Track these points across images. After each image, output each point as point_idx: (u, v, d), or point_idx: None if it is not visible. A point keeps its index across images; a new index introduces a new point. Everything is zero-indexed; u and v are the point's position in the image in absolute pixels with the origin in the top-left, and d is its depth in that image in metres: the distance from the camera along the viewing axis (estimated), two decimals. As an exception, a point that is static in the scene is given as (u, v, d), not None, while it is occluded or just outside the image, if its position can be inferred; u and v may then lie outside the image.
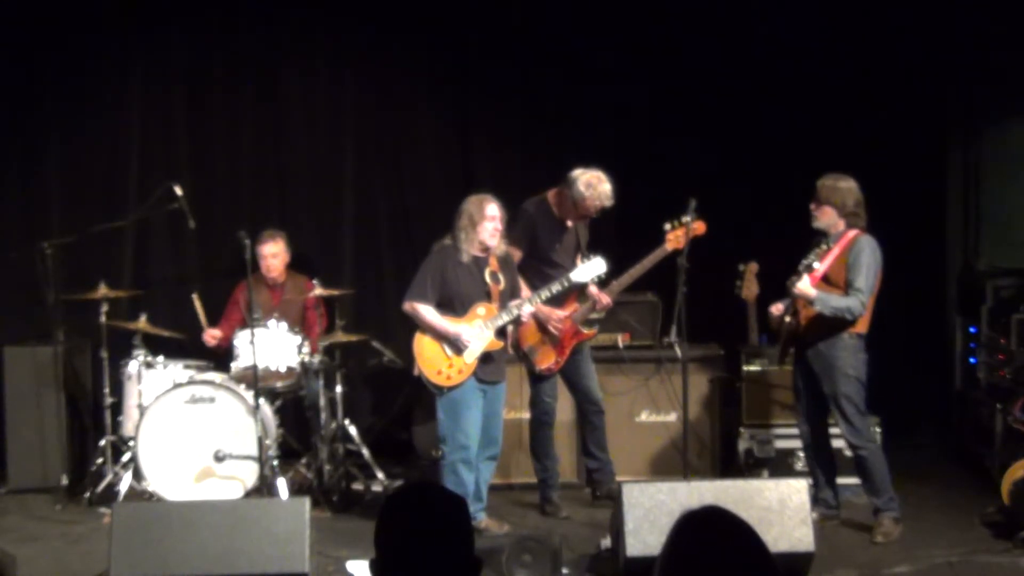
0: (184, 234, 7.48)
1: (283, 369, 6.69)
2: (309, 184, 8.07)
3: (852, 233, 5.86)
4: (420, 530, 2.39)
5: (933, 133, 8.18)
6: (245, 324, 6.75)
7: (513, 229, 6.34)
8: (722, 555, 2.17)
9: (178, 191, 6.98)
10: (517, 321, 6.08)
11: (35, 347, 7.21)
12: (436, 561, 2.38)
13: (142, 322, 6.85)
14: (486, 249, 6.03)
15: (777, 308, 6.04)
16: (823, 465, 6.15)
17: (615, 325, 7.07)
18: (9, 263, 7.48)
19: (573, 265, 6.28)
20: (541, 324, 6.38)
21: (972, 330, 7.45)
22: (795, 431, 6.53)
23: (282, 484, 6.44)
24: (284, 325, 6.74)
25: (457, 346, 5.96)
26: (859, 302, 5.76)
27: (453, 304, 6.00)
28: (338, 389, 6.94)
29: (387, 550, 2.41)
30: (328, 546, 5.66)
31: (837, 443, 6.31)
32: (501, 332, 6.07)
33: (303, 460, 6.97)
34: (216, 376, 6.66)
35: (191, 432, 6.46)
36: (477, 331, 5.96)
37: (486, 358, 6.00)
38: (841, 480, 6.28)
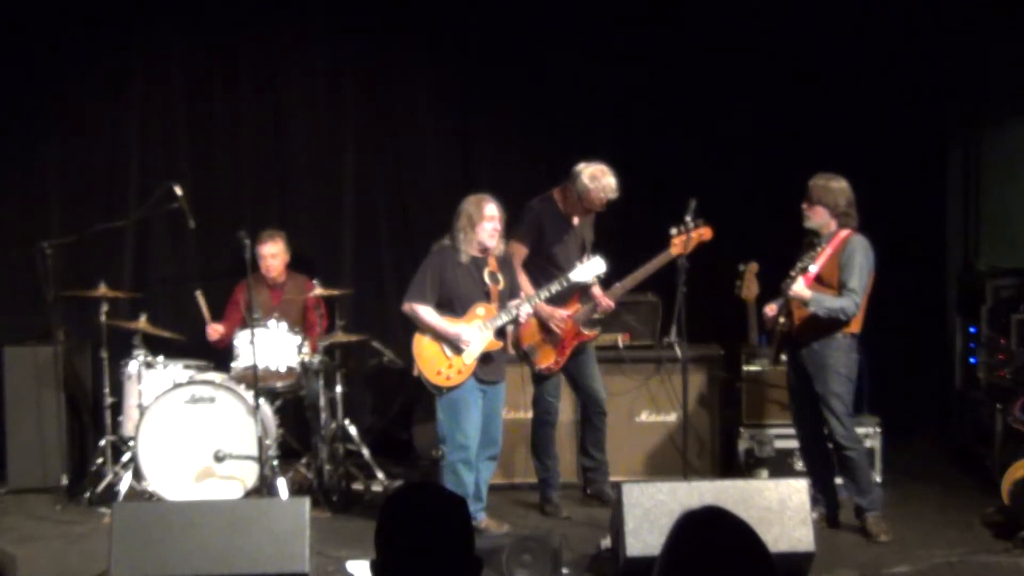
0: (184, 234, 7.48)
1: (283, 369, 6.69)
2: (309, 184, 8.07)
3: (844, 233, 5.87)
4: (420, 530, 2.39)
5: (933, 133, 8.19)
6: (245, 324, 6.75)
7: (519, 226, 6.36)
8: (722, 555, 2.17)
9: (178, 191, 6.98)
10: (516, 321, 6.09)
11: (35, 347, 7.20)
12: (436, 561, 2.38)
13: (142, 322, 6.85)
14: (485, 249, 6.03)
15: (771, 309, 6.04)
16: (820, 465, 6.14)
17: (615, 325, 7.07)
18: (9, 263, 7.49)
19: (578, 264, 6.28)
20: (543, 323, 6.38)
21: (972, 330, 7.45)
22: (794, 431, 6.53)
23: (282, 484, 6.44)
24: (284, 325, 6.74)
25: (456, 346, 5.96)
26: (853, 302, 5.77)
27: (452, 305, 6.00)
28: (338, 389, 6.94)
29: (387, 550, 2.41)
30: (328, 546, 5.66)
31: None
32: (500, 332, 6.07)
33: (303, 460, 6.97)
34: (216, 376, 6.66)
35: (191, 432, 6.46)
36: (476, 331, 5.96)
37: (485, 358, 6.00)
38: (840, 480, 6.28)
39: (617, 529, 5.18)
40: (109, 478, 6.74)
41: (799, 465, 6.65)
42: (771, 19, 7.84)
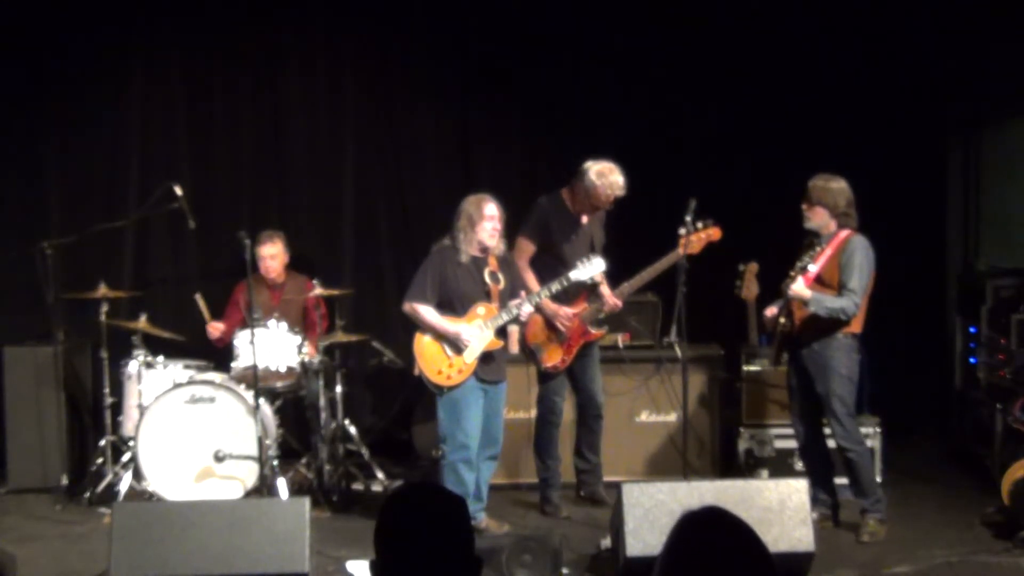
0: (184, 234, 7.47)
1: (283, 369, 6.69)
2: (309, 184, 8.07)
3: (844, 233, 5.87)
4: (420, 530, 2.39)
5: (933, 133, 8.19)
6: (245, 324, 6.75)
7: (526, 223, 6.38)
8: (722, 555, 2.17)
9: (178, 191, 6.98)
10: (517, 320, 6.09)
11: (35, 347, 7.20)
12: (436, 561, 2.38)
13: (142, 322, 6.85)
14: (485, 249, 6.04)
15: (771, 311, 6.04)
16: (819, 465, 6.14)
17: (615, 325, 7.07)
18: (9, 263, 7.49)
19: (578, 264, 6.27)
20: (549, 322, 6.39)
21: (972, 330, 7.45)
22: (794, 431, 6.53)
23: (282, 484, 6.44)
24: (284, 325, 6.74)
25: (457, 346, 5.96)
26: (853, 303, 5.77)
27: (453, 304, 6.01)
28: (338, 389, 6.94)
29: (387, 550, 2.41)
30: (328, 546, 5.66)
31: (831, 442, 6.31)
32: (501, 331, 6.08)
33: (303, 460, 6.96)
34: (216, 376, 6.66)
35: (191, 432, 6.46)
36: (477, 331, 5.96)
37: (486, 357, 6.00)
38: (840, 480, 6.28)
39: (617, 529, 5.18)
40: (109, 478, 6.74)
41: (799, 465, 6.65)
42: (771, 19, 7.84)
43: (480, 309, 6.01)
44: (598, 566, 5.50)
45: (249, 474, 6.40)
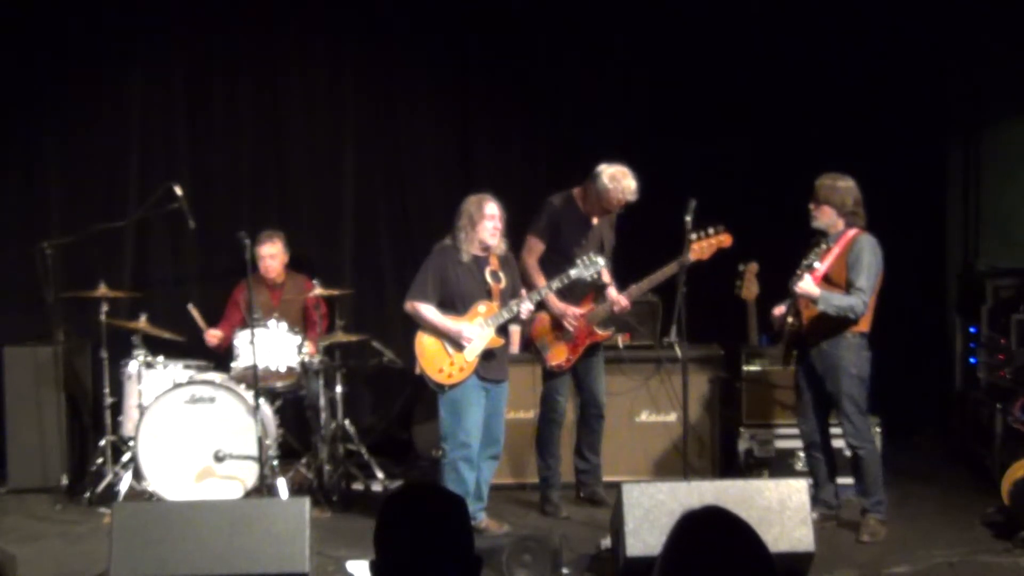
0: (184, 234, 7.47)
1: (283, 369, 6.69)
2: (309, 184, 8.07)
3: (852, 232, 5.87)
4: (420, 530, 2.39)
5: (933, 133, 8.19)
6: (245, 324, 6.75)
7: (536, 221, 6.39)
8: (722, 555, 2.17)
9: (178, 191, 6.98)
10: (518, 318, 6.10)
11: (35, 347, 7.20)
12: (436, 561, 2.38)
13: (142, 322, 6.85)
14: (486, 248, 6.05)
15: (779, 310, 6.04)
16: (823, 465, 6.14)
17: (615, 325, 7.07)
18: (9, 263, 7.49)
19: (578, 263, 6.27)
20: (556, 321, 6.39)
21: (972, 330, 7.45)
22: (795, 431, 6.53)
23: (282, 484, 6.43)
24: (284, 325, 6.74)
25: (458, 344, 5.97)
26: (861, 301, 5.77)
27: (454, 303, 6.02)
28: (338, 389, 6.94)
29: (387, 550, 2.41)
30: (328, 546, 5.66)
31: (837, 443, 6.31)
32: (502, 330, 6.09)
33: (303, 460, 6.96)
34: (216, 376, 6.66)
35: (191, 432, 6.46)
36: (478, 329, 5.97)
37: (488, 356, 6.01)
38: (841, 480, 6.28)
39: (617, 529, 5.18)
40: (109, 478, 6.74)
41: (799, 465, 6.66)
42: (772, 19, 7.85)
43: (481, 307, 6.02)
44: (598, 566, 5.50)
45: (249, 474, 6.39)
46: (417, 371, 6.11)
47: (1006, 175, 7.90)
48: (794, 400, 6.34)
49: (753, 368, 7.03)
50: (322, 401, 6.78)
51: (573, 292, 6.34)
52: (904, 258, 7.06)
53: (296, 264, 7.38)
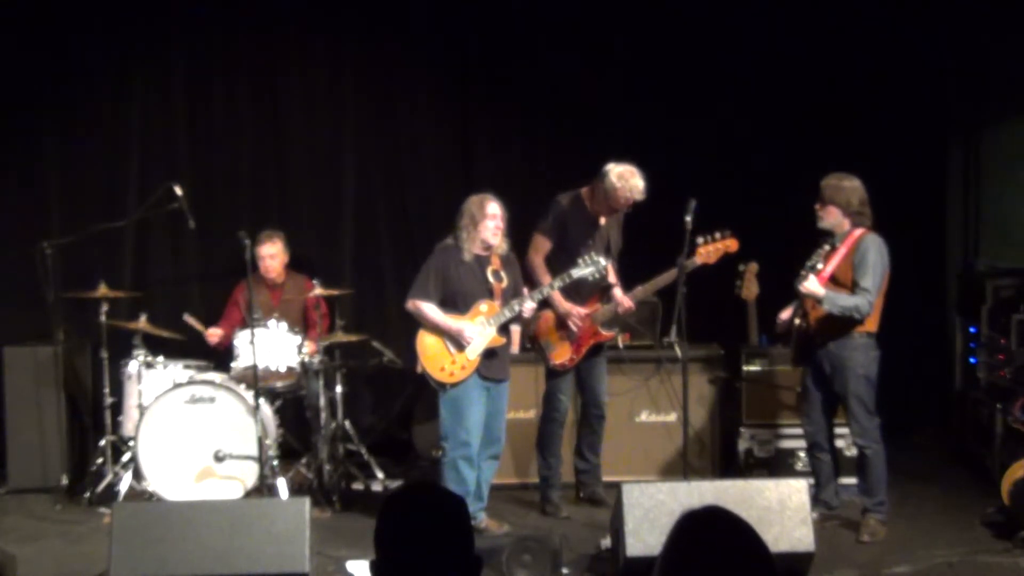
0: (184, 234, 7.48)
1: (283, 369, 6.69)
2: (309, 184, 8.07)
3: (858, 232, 5.87)
4: (420, 530, 2.39)
5: (933, 133, 8.19)
6: (245, 324, 6.76)
7: (543, 220, 6.40)
8: (722, 555, 2.17)
9: (178, 191, 6.98)
10: (519, 317, 6.10)
11: (35, 347, 7.20)
12: (436, 561, 2.38)
13: (142, 322, 6.85)
14: (488, 248, 6.06)
15: (786, 313, 6.04)
16: (826, 465, 6.14)
17: (617, 325, 7.07)
18: (9, 263, 7.49)
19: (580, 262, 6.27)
20: (561, 320, 6.40)
21: (972, 330, 7.45)
22: (795, 431, 6.53)
23: (282, 484, 6.44)
24: (284, 325, 6.74)
25: (460, 342, 5.97)
26: (867, 301, 5.76)
27: (456, 302, 6.02)
28: (338, 389, 6.94)
29: (387, 550, 2.41)
30: (328, 546, 5.66)
31: (838, 443, 6.32)
32: (504, 329, 6.09)
33: (303, 460, 6.96)
34: (216, 376, 6.67)
35: (191, 432, 6.46)
36: (479, 327, 5.98)
37: (489, 354, 6.01)
38: (842, 480, 6.28)
39: (617, 529, 5.18)
40: (109, 478, 6.74)
41: (799, 465, 6.65)
42: (772, 19, 7.84)
43: (483, 306, 6.02)
44: (598, 566, 5.50)
45: (249, 474, 6.40)
46: (419, 370, 6.11)
47: (1006, 175, 7.90)
48: (797, 400, 6.34)
49: (753, 368, 7.03)
50: (322, 401, 6.78)
51: (579, 292, 6.34)
52: (904, 258, 7.04)
53: (296, 264, 7.38)
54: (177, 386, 6.56)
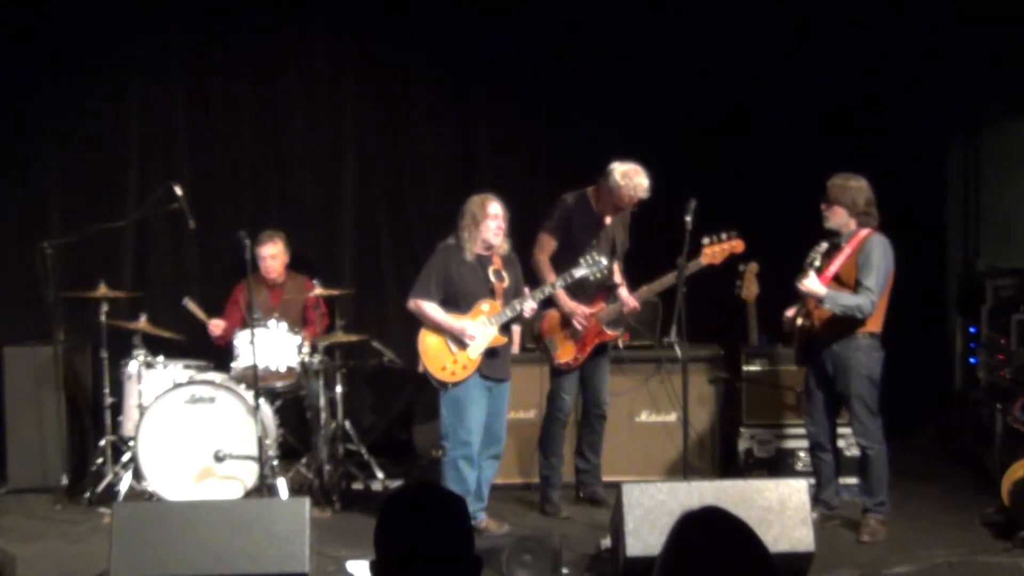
0: (184, 234, 7.48)
1: (283, 369, 6.69)
2: (309, 184, 8.07)
3: (864, 232, 5.87)
4: (420, 530, 2.39)
5: (933, 133, 8.18)
6: (245, 324, 6.75)
7: (549, 219, 6.41)
8: (722, 555, 2.17)
9: (178, 191, 6.98)
10: (520, 317, 6.10)
11: (35, 347, 7.21)
12: (436, 561, 2.37)
13: (142, 322, 6.85)
14: (489, 247, 6.06)
15: (791, 312, 6.04)
16: (828, 465, 6.14)
17: (620, 325, 7.07)
18: (9, 263, 7.48)
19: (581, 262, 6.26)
20: (566, 319, 6.40)
21: (972, 330, 7.44)
22: (795, 431, 6.53)
23: (282, 484, 6.44)
24: (284, 325, 6.74)
25: (461, 342, 5.98)
26: (869, 300, 5.76)
27: (457, 301, 6.03)
28: (338, 389, 6.94)
29: (387, 550, 2.40)
30: (328, 546, 5.65)
31: (839, 443, 6.32)
32: (505, 328, 6.10)
33: (303, 460, 6.97)
34: (216, 376, 6.67)
35: (191, 432, 6.46)
36: (481, 327, 5.99)
37: (491, 354, 6.02)
38: (843, 480, 6.28)
39: (617, 529, 5.18)
40: (109, 478, 6.74)
41: (799, 465, 6.65)
42: (772, 20, 7.84)
43: (484, 306, 6.03)
44: (598, 566, 5.50)
45: (249, 474, 6.40)
46: (420, 369, 6.11)
47: (1006, 175, 7.90)
48: (800, 400, 6.34)
49: (753, 368, 7.03)
50: (322, 401, 6.78)
51: (584, 291, 6.35)
52: (904, 258, 7.04)
53: (296, 264, 7.38)
54: (177, 386, 6.56)
